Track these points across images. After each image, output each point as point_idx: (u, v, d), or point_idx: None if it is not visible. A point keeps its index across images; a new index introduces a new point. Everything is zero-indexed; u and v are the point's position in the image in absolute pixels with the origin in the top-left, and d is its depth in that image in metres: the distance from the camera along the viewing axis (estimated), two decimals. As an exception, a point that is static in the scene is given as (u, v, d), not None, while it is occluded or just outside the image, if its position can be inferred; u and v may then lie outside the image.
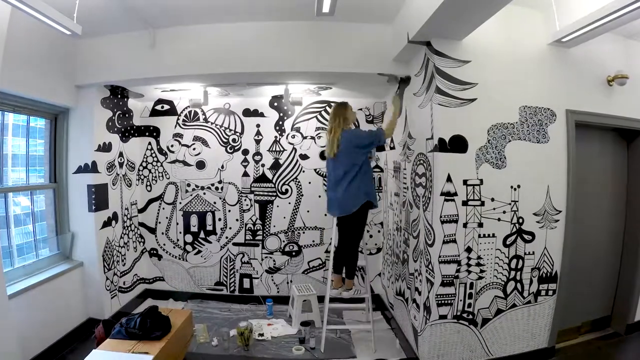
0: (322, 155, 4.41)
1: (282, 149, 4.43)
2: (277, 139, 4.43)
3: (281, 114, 4.43)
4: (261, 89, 4.08)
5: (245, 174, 4.45)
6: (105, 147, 3.82)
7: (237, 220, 4.48)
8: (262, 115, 4.44)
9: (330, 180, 3.35)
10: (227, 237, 4.50)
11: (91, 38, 3.36)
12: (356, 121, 4.42)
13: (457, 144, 2.76)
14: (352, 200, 3.13)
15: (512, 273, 2.92)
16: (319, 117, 4.42)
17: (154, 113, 4.49)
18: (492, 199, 2.83)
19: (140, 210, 4.53)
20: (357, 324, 3.79)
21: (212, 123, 4.46)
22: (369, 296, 3.61)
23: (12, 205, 3.21)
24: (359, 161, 3.13)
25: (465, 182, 2.78)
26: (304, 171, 4.43)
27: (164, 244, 4.56)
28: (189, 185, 4.49)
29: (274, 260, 4.49)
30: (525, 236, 2.91)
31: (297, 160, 4.43)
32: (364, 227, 3.32)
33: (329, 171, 3.36)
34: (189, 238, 4.52)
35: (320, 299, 4.09)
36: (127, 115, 4.23)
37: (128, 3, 2.93)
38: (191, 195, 4.49)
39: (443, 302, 2.81)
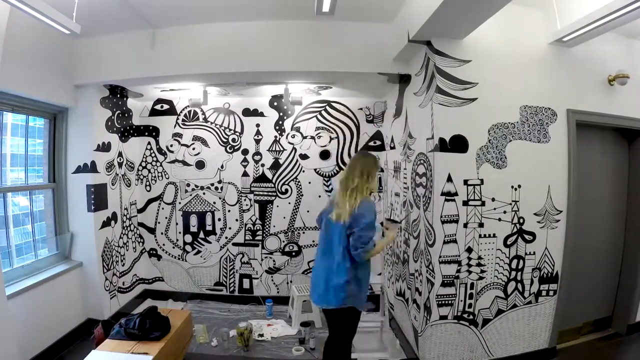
0: (322, 155, 4.40)
1: (282, 149, 4.42)
2: (277, 138, 4.42)
3: (281, 114, 4.42)
4: (261, 89, 4.07)
5: (245, 174, 4.44)
6: (105, 147, 3.80)
7: (236, 220, 4.47)
8: (261, 114, 4.43)
9: (320, 246, 2.63)
10: (226, 237, 4.49)
11: (90, 37, 3.35)
12: (356, 122, 4.41)
13: (458, 144, 2.75)
14: (336, 293, 2.42)
15: (513, 273, 2.91)
16: (319, 116, 4.41)
17: (154, 113, 4.48)
18: (493, 199, 2.82)
19: (140, 210, 4.52)
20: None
21: (211, 123, 4.45)
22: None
23: (11, 205, 3.20)
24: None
25: (465, 182, 2.77)
26: (303, 171, 4.42)
27: (164, 244, 4.54)
28: (188, 185, 4.48)
29: (273, 261, 4.48)
30: (526, 236, 2.90)
31: (297, 160, 4.42)
32: (354, 325, 2.57)
33: (323, 232, 2.60)
34: (188, 238, 4.51)
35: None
36: (126, 115, 4.22)
37: (127, 2, 2.91)
38: (191, 195, 4.48)
39: (443, 302, 2.80)
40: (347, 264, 2.42)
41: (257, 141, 4.43)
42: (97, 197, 3.67)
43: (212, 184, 4.47)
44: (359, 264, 2.44)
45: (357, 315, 2.54)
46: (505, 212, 2.85)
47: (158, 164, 4.49)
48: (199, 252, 4.51)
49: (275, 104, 4.41)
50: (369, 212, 2.41)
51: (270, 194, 4.44)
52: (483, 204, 2.81)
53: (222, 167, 4.45)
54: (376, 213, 2.50)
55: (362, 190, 2.45)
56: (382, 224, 2.99)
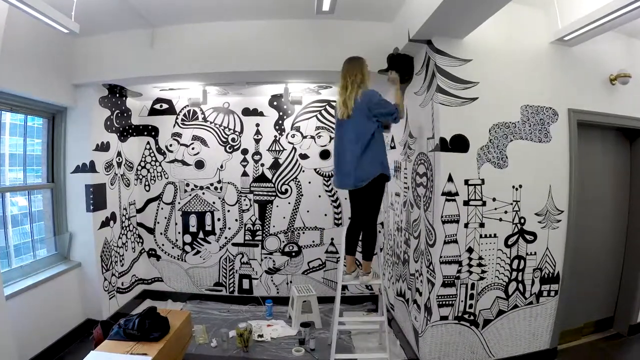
0: (322, 155, 4.39)
1: (281, 149, 4.41)
2: (277, 138, 4.41)
3: (281, 113, 4.41)
4: (261, 88, 4.06)
5: (245, 174, 4.43)
6: (104, 147, 3.79)
7: (236, 220, 4.46)
8: (261, 114, 4.41)
9: (339, 147, 2.97)
10: (226, 238, 4.48)
11: (89, 36, 3.33)
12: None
13: (459, 144, 2.73)
14: (368, 168, 2.79)
15: (514, 274, 2.89)
16: (319, 116, 4.39)
17: (153, 112, 4.46)
18: (494, 199, 2.81)
19: (139, 210, 4.50)
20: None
21: (211, 122, 4.43)
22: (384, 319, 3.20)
23: (9, 205, 3.18)
24: (373, 129, 2.80)
25: (466, 181, 2.75)
26: (303, 171, 4.41)
27: (163, 244, 4.53)
28: (187, 185, 4.46)
29: (273, 261, 4.47)
30: (527, 236, 2.89)
31: (297, 160, 4.40)
32: (381, 199, 2.98)
33: (339, 135, 2.97)
34: (187, 238, 4.49)
35: (321, 300, 4.09)
36: (125, 115, 4.20)
37: (127, 1, 2.90)
38: (190, 195, 4.47)
39: (444, 302, 2.79)
40: (370, 146, 2.79)
41: (257, 141, 4.42)
42: (96, 197, 3.65)
43: (212, 184, 4.45)
44: (376, 144, 2.83)
45: (384, 183, 2.94)
46: (506, 212, 2.83)
47: (157, 163, 4.48)
48: (198, 252, 4.49)
49: (275, 103, 4.40)
50: (374, 93, 2.85)
51: (270, 193, 4.43)
52: (484, 204, 2.79)
53: (221, 167, 4.43)
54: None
55: (355, 86, 2.84)
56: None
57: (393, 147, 3.86)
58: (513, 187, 2.84)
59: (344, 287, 3.57)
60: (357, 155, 2.80)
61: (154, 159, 4.48)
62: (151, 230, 4.52)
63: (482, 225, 2.80)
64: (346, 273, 3.11)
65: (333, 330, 3.08)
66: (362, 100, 2.80)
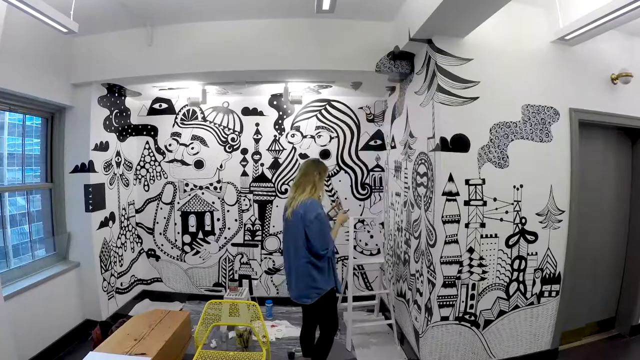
0: (322, 155, 4.37)
1: (281, 148, 4.39)
2: (277, 138, 4.39)
3: (280, 113, 4.39)
4: (260, 88, 4.04)
5: (244, 174, 4.41)
6: (102, 147, 3.77)
7: (236, 220, 4.44)
8: (261, 114, 4.40)
9: (284, 248, 2.83)
10: (225, 238, 4.46)
11: (88, 35, 3.33)
12: (357, 121, 4.38)
13: (459, 143, 2.72)
14: (305, 288, 2.64)
15: (515, 274, 2.88)
16: (319, 115, 4.37)
17: (152, 112, 4.45)
18: (495, 199, 2.79)
19: (138, 211, 4.49)
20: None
21: (210, 122, 4.42)
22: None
23: (7, 205, 3.17)
24: (305, 244, 2.62)
25: (467, 181, 2.74)
26: (303, 171, 4.38)
27: (162, 245, 4.51)
28: (187, 185, 4.44)
29: (273, 261, 4.45)
30: (528, 236, 2.88)
31: (297, 160, 4.38)
32: (334, 313, 2.77)
33: (284, 236, 2.83)
34: (187, 238, 4.48)
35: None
36: (124, 114, 4.19)
37: (125, 0, 2.88)
38: (189, 195, 4.45)
39: (445, 303, 2.77)
40: (310, 259, 2.62)
41: (257, 140, 4.40)
42: (95, 197, 3.64)
43: (211, 184, 4.43)
44: (320, 257, 2.63)
45: (335, 297, 2.78)
46: (507, 212, 2.82)
47: (156, 163, 4.46)
48: (197, 252, 4.48)
49: (275, 103, 4.38)
50: (313, 207, 2.62)
51: (269, 193, 4.41)
52: (485, 204, 2.78)
53: (221, 166, 4.42)
54: (321, 207, 2.71)
55: (309, 192, 2.70)
56: (332, 205, 3.28)
57: (393, 147, 3.85)
58: (514, 187, 2.83)
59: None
60: (296, 268, 2.66)
61: (153, 158, 4.46)
62: (150, 231, 4.50)
63: (482, 225, 2.78)
64: None
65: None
66: (301, 208, 2.62)
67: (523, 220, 2.85)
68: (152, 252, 4.53)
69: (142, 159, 4.47)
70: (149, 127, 4.45)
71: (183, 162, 4.44)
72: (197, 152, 4.43)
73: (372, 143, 4.40)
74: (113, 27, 3.32)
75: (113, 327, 3.15)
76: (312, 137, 4.38)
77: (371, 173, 4.41)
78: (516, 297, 2.90)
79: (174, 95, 4.31)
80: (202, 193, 4.44)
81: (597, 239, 3.34)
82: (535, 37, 2.88)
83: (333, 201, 2.99)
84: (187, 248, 4.48)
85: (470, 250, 2.78)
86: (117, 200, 4.05)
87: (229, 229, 4.45)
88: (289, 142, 4.39)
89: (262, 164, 4.40)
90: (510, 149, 2.81)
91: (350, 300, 3.48)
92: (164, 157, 4.45)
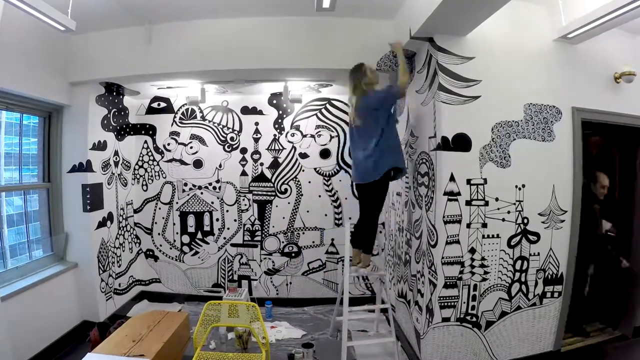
0: (322, 154, 4.34)
1: (281, 148, 4.36)
2: (276, 137, 4.36)
3: (280, 112, 4.36)
4: (260, 86, 4.01)
5: (244, 173, 4.38)
6: (100, 146, 3.74)
7: (235, 220, 4.41)
8: (260, 113, 4.37)
9: (351, 144, 3.20)
10: (225, 238, 4.43)
11: (86, 34, 3.30)
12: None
13: (461, 143, 2.70)
14: (373, 167, 2.91)
15: (517, 274, 2.85)
16: (319, 114, 4.35)
17: (150, 111, 4.42)
18: (497, 199, 2.77)
19: (136, 211, 4.46)
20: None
21: (209, 121, 4.39)
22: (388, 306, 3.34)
23: (4, 205, 3.14)
24: (381, 123, 2.89)
25: (468, 181, 2.72)
26: (303, 170, 4.36)
27: (161, 245, 4.48)
28: (186, 184, 4.42)
29: (272, 262, 4.42)
30: (530, 237, 2.85)
31: (297, 159, 4.36)
32: (383, 197, 3.11)
33: (351, 140, 3.19)
34: (186, 239, 4.45)
35: (321, 301, 4.03)
36: (122, 113, 4.16)
37: (123, -3, 2.86)
38: (188, 195, 4.42)
39: (446, 304, 2.75)
40: (378, 144, 2.88)
41: (256, 140, 4.37)
42: (93, 197, 3.61)
43: (210, 184, 4.41)
44: (388, 136, 2.93)
45: (387, 182, 3.06)
46: (509, 212, 2.80)
47: (155, 163, 4.43)
48: (196, 253, 4.45)
49: (275, 101, 4.36)
50: (373, 93, 2.96)
51: (269, 193, 4.38)
52: (486, 203, 2.75)
53: (220, 166, 4.39)
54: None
55: (357, 94, 2.97)
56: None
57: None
58: (516, 186, 2.80)
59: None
60: (365, 156, 2.95)
61: (151, 158, 4.43)
62: (149, 231, 4.47)
63: (484, 225, 2.76)
64: (352, 265, 3.26)
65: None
66: (362, 105, 2.94)
67: (525, 221, 2.83)
68: (151, 253, 4.50)
69: (141, 158, 4.44)
70: (148, 126, 4.42)
71: (182, 162, 4.41)
72: (196, 152, 4.40)
73: (372, 142, 4.36)
74: (111, 25, 3.29)
75: (111, 329, 3.12)
76: (312, 136, 4.36)
77: (371, 173, 4.38)
78: (518, 298, 2.87)
79: (172, 94, 4.29)
80: (201, 193, 4.41)
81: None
82: (537, 36, 2.85)
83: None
84: (185, 248, 4.45)
85: (472, 251, 2.75)
86: (115, 200, 4.02)
87: (228, 229, 4.42)
88: (289, 142, 4.36)
89: (261, 164, 4.38)
90: (512, 149, 2.79)
91: (346, 304, 3.24)
92: (162, 157, 4.42)
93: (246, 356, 2.73)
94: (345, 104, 4.34)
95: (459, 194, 2.70)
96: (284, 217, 4.38)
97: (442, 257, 2.71)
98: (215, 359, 2.66)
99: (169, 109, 4.41)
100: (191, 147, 4.40)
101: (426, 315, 2.85)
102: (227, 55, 3.28)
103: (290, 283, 4.39)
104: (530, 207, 2.83)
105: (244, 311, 3.29)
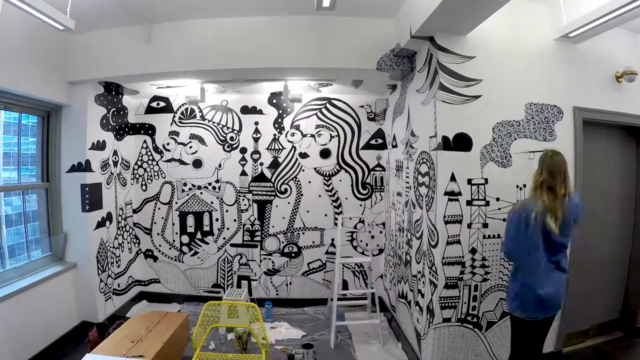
0: (322, 154, 4.33)
1: (281, 147, 4.35)
2: (276, 137, 4.35)
3: (280, 111, 4.35)
4: (259, 86, 4.00)
5: (243, 173, 4.37)
6: (99, 146, 3.73)
7: (234, 220, 4.40)
8: (260, 112, 4.36)
9: (535, 261, 2.26)
10: (224, 238, 4.41)
11: (85, 33, 3.29)
12: (357, 120, 4.35)
13: (461, 142, 2.68)
14: (561, 291, 2.33)
15: (518, 275, 2.83)
16: (319, 114, 4.34)
17: (150, 110, 4.40)
18: (497, 199, 2.75)
19: (135, 211, 4.44)
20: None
21: (209, 121, 4.38)
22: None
23: (3, 205, 3.13)
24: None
25: (469, 181, 2.70)
26: (303, 170, 4.35)
27: (160, 245, 4.47)
28: (185, 184, 4.40)
29: (272, 262, 4.41)
30: (532, 237, 2.83)
31: (297, 159, 4.35)
32: (519, 338, 2.43)
33: (539, 248, 2.24)
34: (185, 239, 4.43)
35: (320, 301, 3.99)
36: (121, 113, 4.15)
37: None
38: (187, 194, 4.41)
39: (447, 304, 2.74)
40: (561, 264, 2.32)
41: (256, 139, 4.36)
42: (92, 197, 3.60)
43: (210, 184, 4.39)
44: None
45: (519, 325, 2.34)
46: (510, 212, 2.78)
47: (154, 162, 4.41)
48: (196, 253, 4.43)
49: (275, 101, 4.34)
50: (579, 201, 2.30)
51: (269, 193, 4.37)
52: (487, 203, 2.74)
53: (219, 166, 4.37)
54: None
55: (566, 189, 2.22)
56: None
57: (395, 146, 3.81)
58: (517, 186, 2.78)
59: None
60: (555, 278, 2.29)
61: (150, 158, 4.42)
62: (148, 231, 4.46)
63: (485, 225, 2.74)
64: None
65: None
66: (573, 208, 2.25)
67: (526, 221, 2.81)
68: (150, 253, 4.48)
69: (140, 158, 4.42)
70: (147, 125, 4.41)
71: (181, 162, 4.39)
72: (196, 152, 4.38)
73: (373, 142, 4.36)
74: (110, 24, 3.28)
75: (110, 329, 3.10)
76: (312, 136, 4.34)
77: (372, 172, 4.37)
78: (519, 298, 2.85)
79: (172, 93, 4.27)
80: (201, 193, 4.40)
81: (601, 240, 3.29)
82: (538, 35, 2.84)
83: None
84: (185, 249, 4.44)
85: (473, 251, 2.74)
86: (114, 200, 4.01)
87: (227, 229, 4.40)
88: (289, 141, 4.35)
89: (261, 163, 4.36)
90: (513, 148, 2.77)
91: (335, 298, 3.37)
92: (161, 157, 4.41)
93: (246, 357, 2.71)
94: (346, 103, 4.33)
95: (459, 193, 2.69)
96: (283, 217, 4.37)
97: (443, 258, 2.69)
98: (215, 359, 2.64)
99: (168, 108, 4.39)
100: (191, 147, 4.39)
101: (427, 315, 2.83)
102: (227, 55, 3.26)
103: (290, 283, 4.38)
104: (532, 207, 2.81)
105: (244, 312, 3.28)
